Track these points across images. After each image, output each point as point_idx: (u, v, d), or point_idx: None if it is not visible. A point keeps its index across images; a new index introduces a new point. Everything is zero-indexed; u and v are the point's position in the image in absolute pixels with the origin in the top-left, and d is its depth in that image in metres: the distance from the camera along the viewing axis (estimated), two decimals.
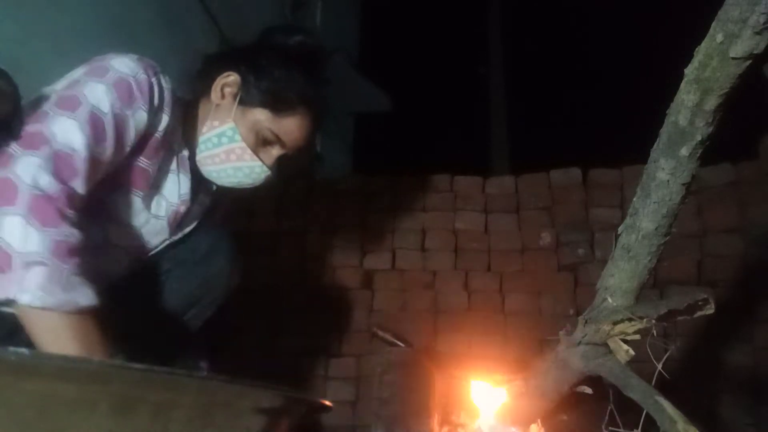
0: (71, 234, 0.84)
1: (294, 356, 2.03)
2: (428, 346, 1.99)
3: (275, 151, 1.15)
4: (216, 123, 1.13)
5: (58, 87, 0.97)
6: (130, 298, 1.07)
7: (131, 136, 0.99)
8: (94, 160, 0.91)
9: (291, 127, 1.14)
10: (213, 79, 1.14)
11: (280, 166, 1.19)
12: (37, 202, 0.81)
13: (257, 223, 2.25)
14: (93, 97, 0.92)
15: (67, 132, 0.88)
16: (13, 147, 0.85)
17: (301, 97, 1.14)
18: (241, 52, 1.18)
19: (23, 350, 0.49)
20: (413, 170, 2.27)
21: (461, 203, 2.18)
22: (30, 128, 0.87)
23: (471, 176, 2.24)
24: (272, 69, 1.13)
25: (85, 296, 0.84)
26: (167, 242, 1.18)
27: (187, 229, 1.22)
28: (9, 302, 0.80)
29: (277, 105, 1.12)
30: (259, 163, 1.14)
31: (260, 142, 1.13)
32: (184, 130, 1.15)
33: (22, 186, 0.81)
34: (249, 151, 1.13)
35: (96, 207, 0.98)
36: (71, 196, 0.86)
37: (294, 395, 0.76)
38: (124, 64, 0.98)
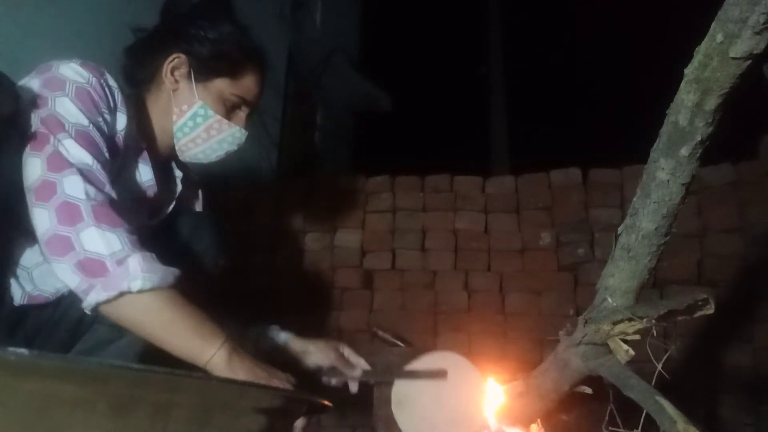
0: (131, 230, 0.92)
1: None
2: (428, 346, 1.98)
3: (242, 112, 1.21)
4: (185, 107, 1.15)
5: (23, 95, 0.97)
6: None
7: (107, 138, 1.02)
8: (105, 168, 0.96)
9: (250, 84, 1.20)
10: (156, 68, 1.16)
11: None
12: (98, 210, 0.89)
13: (257, 223, 2.25)
14: (68, 114, 0.95)
15: (74, 150, 0.92)
16: (47, 174, 0.89)
17: (244, 51, 1.19)
18: (165, 32, 1.19)
19: (23, 350, 0.49)
20: (413, 170, 2.27)
21: (461, 203, 2.18)
22: (46, 150, 0.91)
23: (471, 176, 2.23)
24: (206, 34, 1.16)
25: (173, 269, 0.92)
26: (143, 227, 1.19)
27: (163, 215, 1.24)
28: (99, 306, 0.88)
29: (231, 70, 1.17)
30: (237, 127, 1.20)
31: (229, 109, 1.19)
32: (139, 124, 1.16)
33: (80, 203, 0.88)
34: (225, 121, 1.17)
35: None
36: (112, 201, 0.93)
37: (294, 395, 0.76)
38: (75, 72, 1.01)
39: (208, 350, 0.90)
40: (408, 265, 2.14)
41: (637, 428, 0.89)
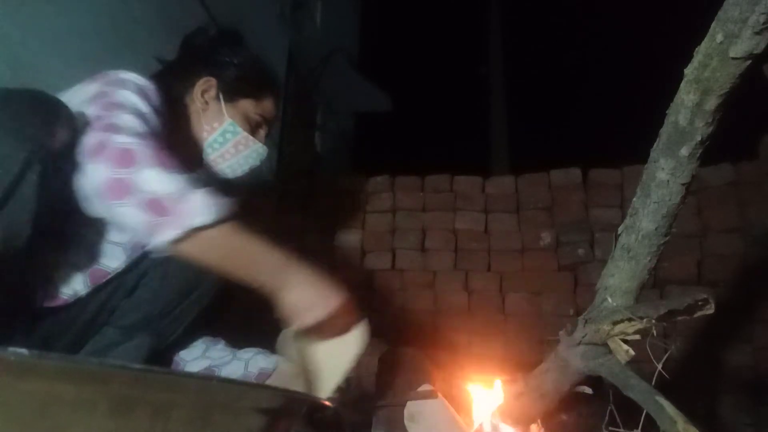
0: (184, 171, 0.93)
1: None
2: (428, 346, 1.98)
3: (263, 130, 1.32)
4: (215, 125, 1.25)
5: (76, 101, 1.00)
6: (135, 286, 1.15)
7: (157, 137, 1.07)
8: (155, 141, 0.99)
9: (270, 105, 1.31)
10: (184, 91, 1.24)
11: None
12: (153, 154, 0.90)
13: (257, 223, 2.25)
14: (128, 101, 1.00)
15: (128, 120, 0.96)
16: (99, 135, 0.90)
17: (263, 73, 1.30)
18: (190, 59, 1.28)
19: (23, 350, 0.49)
20: (413, 170, 2.27)
21: (461, 203, 2.18)
22: (101, 123, 0.94)
23: (471, 176, 2.23)
24: (231, 59, 1.27)
25: (230, 200, 0.95)
26: None
27: None
28: (169, 245, 0.89)
29: (254, 91, 1.28)
30: (260, 144, 1.29)
31: (252, 128, 1.29)
32: (169, 141, 1.20)
33: (133, 146, 0.90)
34: (251, 138, 1.27)
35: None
36: (164, 149, 0.95)
37: (294, 395, 0.77)
38: (133, 77, 1.07)
39: (281, 273, 0.97)
40: (408, 265, 2.14)
41: (637, 428, 0.89)
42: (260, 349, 1.31)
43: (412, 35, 7.54)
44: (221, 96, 1.25)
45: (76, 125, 0.92)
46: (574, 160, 2.20)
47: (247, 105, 1.27)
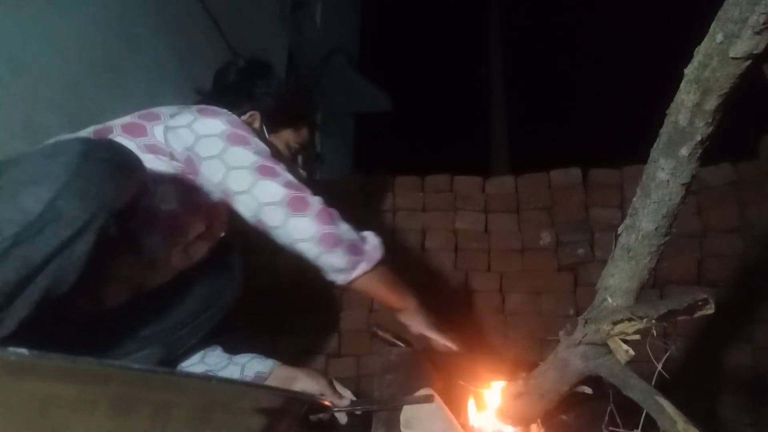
0: None
1: (294, 356, 2.03)
2: (428, 346, 1.98)
3: (300, 157, 1.41)
4: None
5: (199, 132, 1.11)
6: (163, 301, 1.22)
7: None
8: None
9: (306, 135, 1.41)
10: None
11: None
12: (332, 209, 1.12)
13: None
14: (266, 148, 1.16)
15: (294, 177, 1.13)
16: (290, 191, 1.08)
17: (298, 100, 1.38)
18: (228, 93, 1.33)
19: (23, 350, 0.49)
20: (413, 170, 2.27)
21: (461, 203, 2.18)
22: (276, 174, 1.09)
23: (471, 176, 2.23)
24: (268, 90, 1.33)
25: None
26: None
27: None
28: (358, 278, 1.13)
29: (293, 121, 1.37)
30: (301, 171, 1.38)
31: (292, 155, 1.38)
32: None
33: (325, 206, 1.10)
34: (292, 166, 1.34)
35: (178, 230, 1.14)
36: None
37: (294, 395, 0.77)
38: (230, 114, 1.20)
39: (404, 298, 1.21)
40: (407, 265, 2.13)
41: (637, 428, 0.89)
42: (256, 354, 1.33)
43: (412, 35, 7.54)
44: (265, 128, 1.32)
45: (146, 185, 1.01)
46: (574, 160, 2.19)
47: (288, 135, 1.36)
